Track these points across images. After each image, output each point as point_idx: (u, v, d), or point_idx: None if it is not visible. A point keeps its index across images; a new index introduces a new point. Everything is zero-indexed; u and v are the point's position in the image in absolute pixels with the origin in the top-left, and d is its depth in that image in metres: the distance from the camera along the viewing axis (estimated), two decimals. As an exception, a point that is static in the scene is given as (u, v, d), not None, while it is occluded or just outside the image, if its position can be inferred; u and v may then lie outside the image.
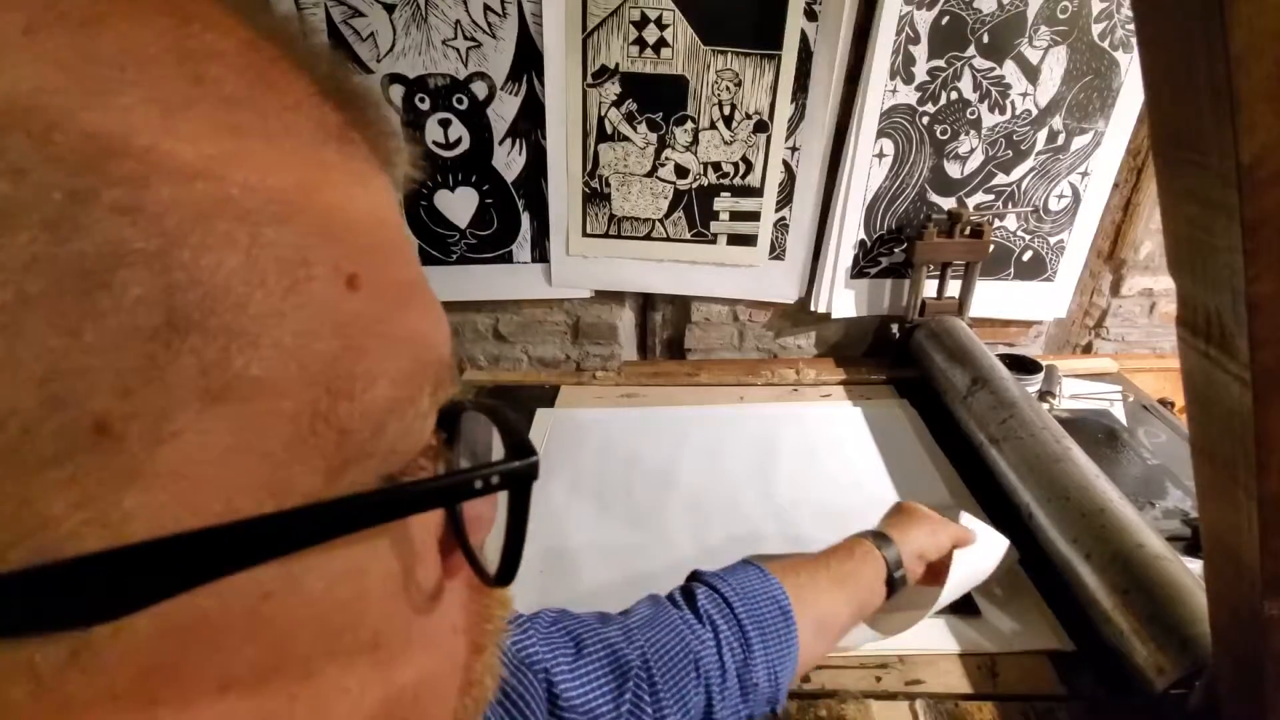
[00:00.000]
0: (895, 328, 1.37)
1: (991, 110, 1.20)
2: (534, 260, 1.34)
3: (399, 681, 0.20)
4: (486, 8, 1.11)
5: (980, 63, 1.16)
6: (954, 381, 1.12)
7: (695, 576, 0.63)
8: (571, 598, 0.79)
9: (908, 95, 1.19)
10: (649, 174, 1.25)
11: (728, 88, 1.17)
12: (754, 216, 1.29)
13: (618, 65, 1.16)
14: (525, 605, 0.45)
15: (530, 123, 1.21)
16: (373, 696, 0.19)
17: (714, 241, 1.31)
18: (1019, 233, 1.33)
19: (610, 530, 0.91)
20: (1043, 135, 1.23)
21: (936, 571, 0.73)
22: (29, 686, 0.13)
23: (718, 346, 1.46)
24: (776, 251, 1.32)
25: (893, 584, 0.67)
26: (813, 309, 1.37)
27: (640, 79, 1.17)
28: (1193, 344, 0.44)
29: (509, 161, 1.25)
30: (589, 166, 1.25)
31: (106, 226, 0.13)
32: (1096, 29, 1.14)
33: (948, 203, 1.29)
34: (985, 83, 1.18)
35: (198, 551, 0.14)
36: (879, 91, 1.17)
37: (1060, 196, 1.29)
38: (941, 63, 1.16)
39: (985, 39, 1.14)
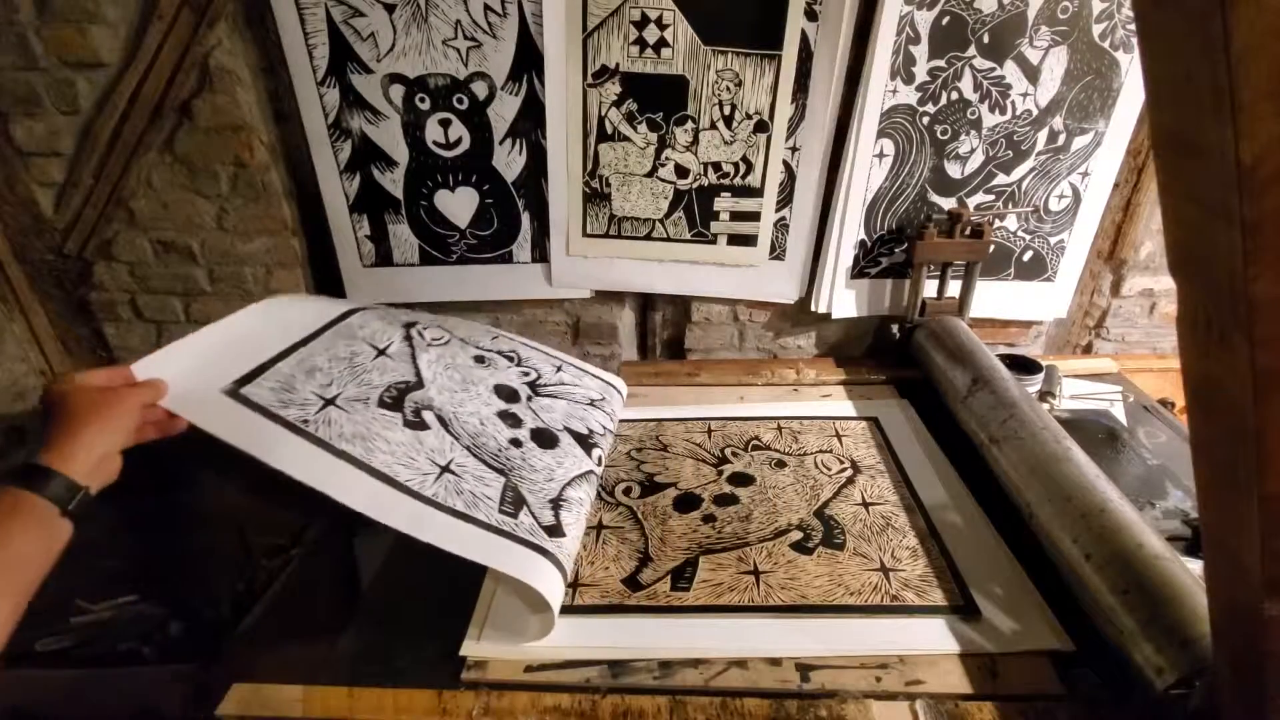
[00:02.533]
0: (895, 328, 1.37)
1: (992, 110, 1.20)
2: (534, 260, 1.34)
3: None
4: (486, 8, 1.11)
5: (981, 63, 1.16)
6: (954, 381, 1.12)
7: None
8: None
9: (908, 95, 1.19)
10: (649, 174, 1.25)
11: (728, 88, 1.17)
12: (754, 216, 1.29)
13: (618, 65, 1.16)
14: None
15: (530, 123, 1.21)
16: None
17: (714, 241, 1.31)
18: (1019, 233, 1.33)
19: None
20: (1043, 135, 1.23)
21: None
22: None
23: (718, 346, 1.46)
24: (776, 251, 1.32)
25: (75, 513, 0.60)
26: (813, 309, 1.37)
27: (640, 79, 1.17)
28: (1193, 344, 0.44)
29: (509, 161, 1.25)
30: (589, 166, 1.25)
31: None
32: (1097, 29, 1.14)
33: (948, 203, 1.29)
34: (986, 83, 1.18)
35: None
36: (879, 91, 1.17)
37: (1060, 196, 1.29)
38: (942, 63, 1.16)
39: (986, 39, 1.14)
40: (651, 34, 1.13)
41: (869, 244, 1.32)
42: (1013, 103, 1.20)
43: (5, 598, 0.54)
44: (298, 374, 0.80)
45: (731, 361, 1.45)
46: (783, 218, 1.29)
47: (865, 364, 1.39)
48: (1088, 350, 1.51)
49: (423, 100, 1.19)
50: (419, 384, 0.89)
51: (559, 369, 1.14)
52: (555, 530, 0.81)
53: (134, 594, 0.83)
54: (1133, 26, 1.13)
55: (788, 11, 1.10)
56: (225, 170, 1.25)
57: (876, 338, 1.44)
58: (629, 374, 1.39)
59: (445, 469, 0.79)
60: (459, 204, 1.28)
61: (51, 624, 0.80)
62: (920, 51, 1.15)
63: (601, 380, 1.19)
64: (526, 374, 1.07)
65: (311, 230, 1.33)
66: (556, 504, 0.85)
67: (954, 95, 1.19)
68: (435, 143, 1.22)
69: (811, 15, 1.11)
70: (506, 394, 0.99)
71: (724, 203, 1.28)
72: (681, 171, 1.25)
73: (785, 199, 1.28)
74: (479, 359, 1.03)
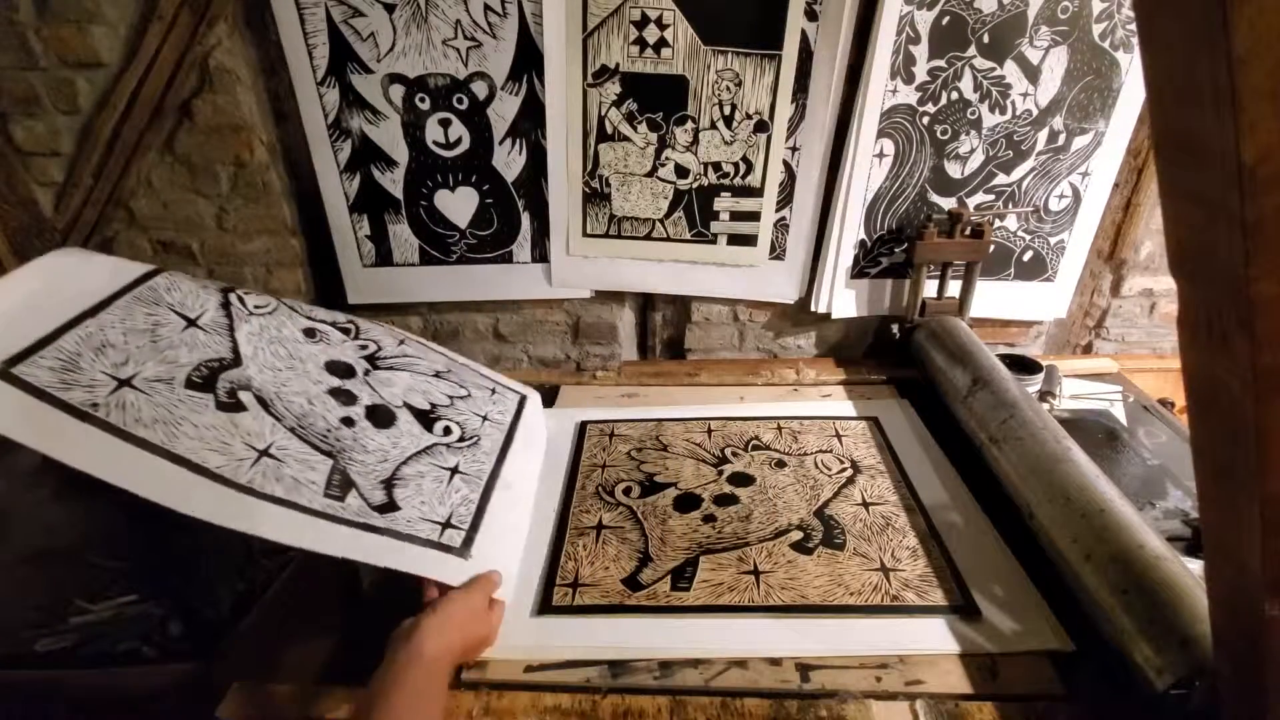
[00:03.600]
0: (895, 328, 1.37)
1: (992, 110, 1.20)
2: (534, 260, 1.34)
3: None
4: (486, 8, 1.11)
5: (981, 63, 1.16)
6: (954, 381, 1.12)
7: None
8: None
9: (908, 95, 1.19)
10: (649, 174, 1.25)
11: (728, 88, 1.17)
12: (754, 216, 1.29)
13: (618, 65, 1.16)
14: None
15: (530, 123, 1.21)
16: None
17: (714, 241, 1.31)
18: (1019, 233, 1.33)
19: None
20: (1043, 135, 1.23)
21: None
22: None
23: (718, 346, 1.46)
24: (776, 251, 1.32)
25: None
26: (813, 309, 1.37)
27: (640, 79, 1.17)
28: (1193, 344, 0.44)
29: (509, 161, 1.25)
30: (589, 166, 1.25)
31: None
32: (1097, 29, 1.14)
33: (948, 203, 1.29)
34: (986, 83, 1.18)
35: None
36: (879, 91, 1.17)
37: (1060, 196, 1.29)
38: (942, 63, 1.16)
39: (986, 39, 1.14)
40: (651, 34, 1.13)
41: (869, 244, 1.32)
42: (1013, 103, 1.20)
43: None
44: (84, 350, 0.68)
45: (731, 361, 1.45)
46: (783, 218, 1.29)
47: (865, 364, 1.39)
48: (1088, 350, 1.51)
49: (423, 100, 1.19)
50: (235, 361, 0.78)
51: (401, 342, 1.03)
52: (387, 507, 0.76)
53: (134, 594, 0.83)
54: (1133, 26, 1.13)
55: (788, 11, 1.10)
56: (225, 170, 1.25)
57: (876, 338, 1.44)
58: (629, 374, 1.39)
59: (264, 453, 0.71)
60: (459, 204, 1.28)
61: (51, 624, 0.80)
62: (920, 51, 1.15)
63: (456, 363, 1.10)
64: (364, 346, 0.96)
65: (311, 230, 1.33)
66: (389, 483, 0.79)
67: (954, 95, 1.19)
68: (435, 143, 1.22)
69: (811, 15, 1.11)
70: (341, 370, 0.88)
71: (724, 203, 1.28)
72: (681, 171, 1.25)
73: (785, 199, 1.28)
74: (309, 332, 0.90)
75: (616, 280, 1.36)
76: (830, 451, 1.09)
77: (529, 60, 1.16)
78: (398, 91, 1.18)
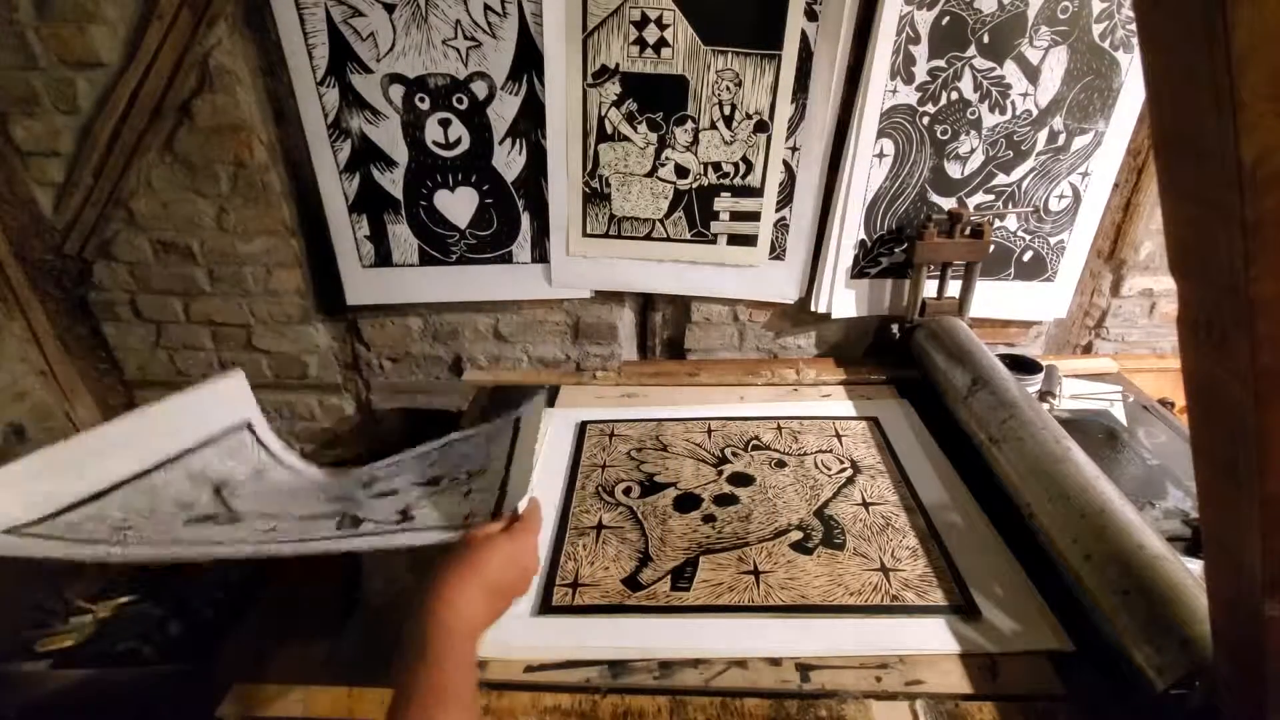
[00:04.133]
0: (895, 328, 1.37)
1: (992, 110, 1.20)
2: (534, 260, 1.34)
3: None
4: (486, 8, 1.11)
5: (981, 63, 1.16)
6: (954, 381, 1.12)
7: None
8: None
9: (908, 95, 1.19)
10: (649, 174, 1.25)
11: (728, 88, 1.17)
12: (754, 216, 1.29)
13: (618, 65, 1.16)
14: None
15: (530, 123, 1.21)
16: None
17: (714, 241, 1.31)
18: (1019, 233, 1.33)
19: None
20: (1043, 135, 1.23)
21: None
22: None
23: (718, 346, 1.46)
24: (776, 251, 1.32)
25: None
26: (813, 309, 1.37)
27: (640, 79, 1.17)
28: (1193, 344, 0.44)
29: (509, 161, 1.25)
30: (589, 166, 1.25)
31: None
32: (1097, 29, 1.14)
33: (948, 203, 1.29)
34: (985, 83, 1.18)
35: None
36: (879, 91, 1.17)
37: (1060, 197, 1.29)
38: (942, 63, 1.16)
39: (986, 39, 1.14)
40: (651, 34, 1.13)
41: (869, 244, 1.32)
42: (1013, 103, 1.20)
43: None
44: (85, 522, 0.74)
45: (731, 361, 1.45)
46: (783, 218, 1.29)
47: (865, 364, 1.39)
48: (1088, 350, 1.51)
49: (422, 100, 1.19)
50: (231, 516, 0.82)
51: (370, 483, 1.00)
52: (404, 519, 0.77)
53: (134, 594, 0.83)
54: (1133, 26, 1.13)
55: (788, 11, 1.10)
56: (225, 170, 1.25)
57: (876, 338, 1.44)
58: (629, 374, 1.39)
59: (270, 530, 0.75)
60: (459, 204, 1.28)
61: (51, 624, 0.80)
62: (920, 51, 1.15)
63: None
64: (367, 486, 0.96)
65: (311, 230, 1.33)
66: (404, 512, 0.80)
67: (954, 95, 1.19)
68: (435, 143, 1.22)
69: (811, 15, 1.11)
70: (342, 519, 0.87)
71: (724, 203, 1.28)
72: (681, 171, 1.25)
73: (785, 199, 1.28)
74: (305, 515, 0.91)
75: (616, 280, 1.36)
76: (830, 451, 1.09)
77: (529, 60, 1.16)
78: (397, 91, 1.18)
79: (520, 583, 0.63)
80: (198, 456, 0.91)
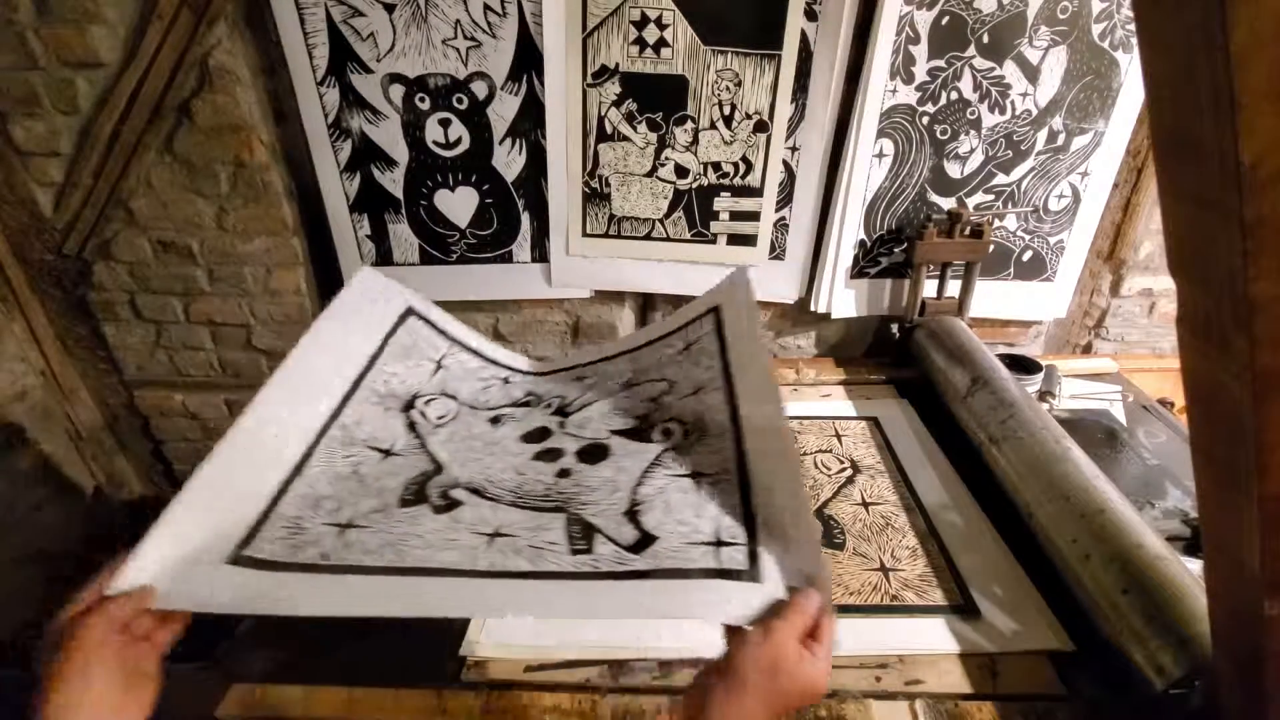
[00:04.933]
0: (895, 328, 1.37)
1: (991, 110, 1.20)
2: (534, 260, 1.34)
3: None
4: (486, 7, 1.11)
5: (980, 63, 1.16)
6: (954, 381, 1.12)
7: None
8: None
9: (908, 95, 1.19)
10: (649, 174, 1.25)
11: (728, 88, 1.17)
12: (754, 216, 1.29)
13: (618, 65, 1.16)
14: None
15: (530, 123, 1.21)
16: None
17: (714, 241, 1.31)
18: (1019, 233, 1.33)
19: None
20: (1043, 135, 1.23)
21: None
22: None
23: (718, 346, 1.46)
24: (776, 251, 1.32)
25: None
26: (813, 309, 1.37)
27: (640, 79, 1.17)
28: (1193, 344, 0.44)
29: (509, 161, 1.25)
30: (589, 166, 1.25)
31: None
32: (1096, 29, 1.14)
33: (948, 203, 1.29)
34: (985, 83, 1.18)
35: None
36: (879, 91, 1.17)
37: (1060, 196, 1.29)
38: (941, 63, 1.16)
39: (985, 39, 1.14)
40: (651, 34, 1.13)
41: (869, 244, 1.32)
42: (1012, 103, 1.20)
43: None
44: (303, 511, 0.70)
45: (731, 361, 1.45)
46: (782, 217, 1.29)
47: (865, 364, 1.39)
48: (1087, 350, 1.51)
49: (422, 100, 1.19)
50: (438, 469, 0.78)
51: (580, 378, 0.98)
52: (642, 542, 0.68)
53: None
54: (1132, 27, 1.13)
55: (787, 11, 1.10)
56: (225, 170, 1.25)
57: (876, 338, 1.44)
58: (629, 374, 1.39)
59: (494, 534, 0.69)
60: (459, 204, 1.28)
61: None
62: (920, 51, 1.15)
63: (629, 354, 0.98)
64: (549, 406, 0.93)
65: (311, 230, 1.33)
66: (632, 513, 0.72)
67: (954, 95, 1.19)
68: (435, 142, 1.22)
69: (811, 15, 1.11)
70: (536, 435, 0.85)
71: (724, 202, 1.28)
72: (681, 171, 1.25)
73: (785, 199, 1.28)
74: (494, 420, 0.89)
75: (616, 280, 1.36)
76: (830, 451, 1.09)
77: (529, 60, 1.16)
78: (398, 91, 1.18)
79: (806, 690, 0.49)
80: (374, 373, 0.87)
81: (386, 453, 0.79)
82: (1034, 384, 1.16)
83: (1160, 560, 0.70)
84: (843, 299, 1.36)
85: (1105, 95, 1.19)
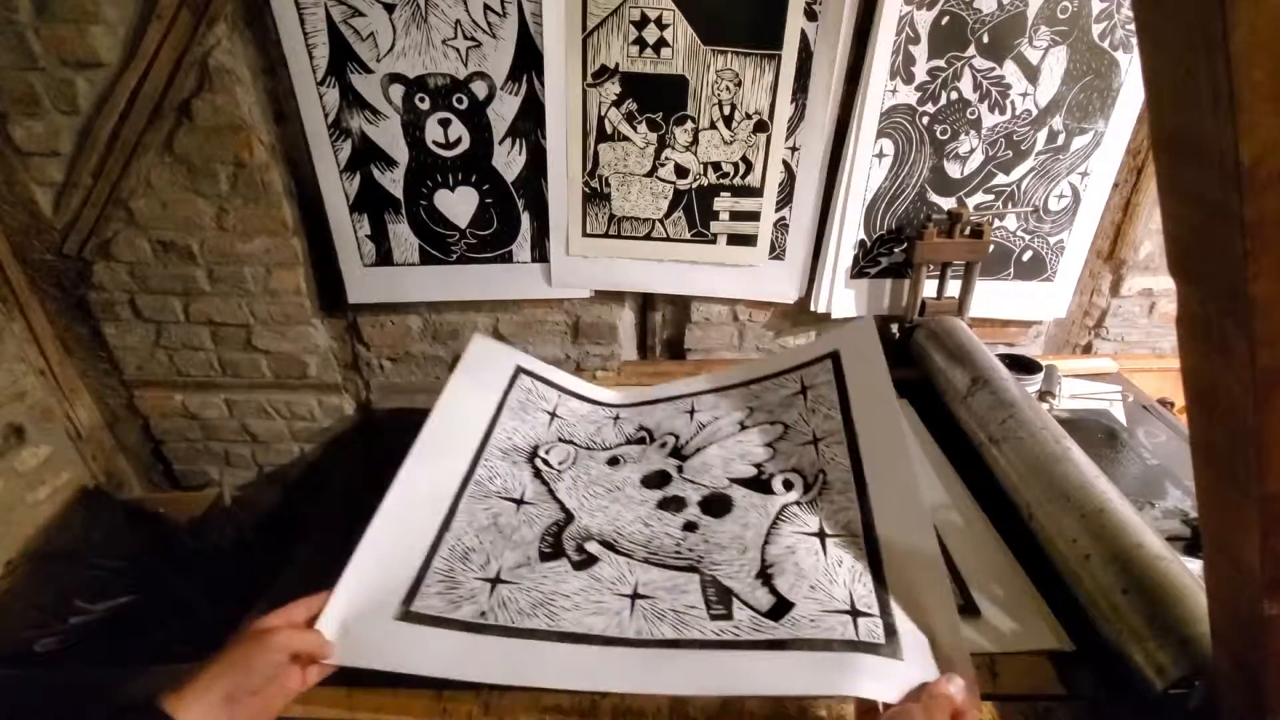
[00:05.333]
0: (895, 328, 1.37)
1: (991, 110, 1.20)
2: (534, 260, 1.34)
3: None
4: (486, 7, 1.11)
5: (980, 63, 1.16)
6: (954, 381, 1.12)
7: None
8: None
9: (908, 95, 1.19)
10: (649, 174, 1.25)
11: (728, 88, 1.17)
12: (754, 216, 1.29)
13: (618, 65, 1.16)
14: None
15: (530, 123, 1.21)
16: None
17: (714, 241, 1.31)
18: (1019, 233, 1.33)
19: None
20: (1043, 135, 1.23)
21: None
22: None
23: (718, 346, 1.46)
24: (776, 251, 1.32)
25: None
26: (813, 309, 1.37)
27: (640, 79, 1.17)
28: (1192, 344, 0.44)
29: (509, 161, 1.25)
30: (589, 166, 1.25)
31: None
32: (1096, 29, 1.14)
33: (948, 203, 1.29)
34: (985, 83, 1.18)
35: None
36: (879, 91, 1.17)
37: (1060, 196, 1.29)
38: (941, 63, 1.16)
39: (985, 39, 1.14)
40: (651, 34, 1.13)
41: (869, 244, 1.32)
42: (1012, 102, 1.20)
43: None
44: (455, 564, 0.75)
45: (731, 361, 1.45)
46: (782, 217, 1.29)
47: (865, 364, 1.39)
48: (1087, 350, 1.51)
49: (422, 100, 1.19)
50: (569, 518, 0.82)
51: (691, 412, 1.00)
52: (779, 608, 0.66)
53: (132, 594, 0.83)
54: (1132, 26, 1.13)
55: (787, 11, 1.10)
56: (225, 170, 1.25)
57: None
58: (629, 374, 1.39)
59: (635, 596, 0.70)
60: (459, 204, 1.28)
61: (51, 624, 0.80)
62: (920, 51, 1.15)
63: (741, 391, 1.01)
64: (664, 445, 0.95)
65: (311, 230, 1.33)
66: (765, 575, 0.71)
67: (953, 95, 1.19)
68: (435, 142, 1.22)
69: (811, 15, 1.11)
70: (656, 480, 0.88)
71: (724, 202, 1.28)
72: (681, 171, 1.25)
73: (785, 199, 1.28)
74: (612, 461, 0.93)
75: (616, 280, 1.36)
76: (830, 451, 1.09)
77: (529, 60, 1.16)
78: (398, 91, 1.18)
79: None
80: (498, 430, 0.94)
81: (519, 502, 0.85)
82: (1034, 384, 1.16)
83: (1160, 560, 0.70)
84: (843, 299, 1.36)
85: (1105, 95, 1.19)
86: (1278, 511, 0.42)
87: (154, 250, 1.33)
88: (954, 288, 1.32)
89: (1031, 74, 1.17)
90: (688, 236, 1.31)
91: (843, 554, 0.73)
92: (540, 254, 1.33)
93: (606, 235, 1.31)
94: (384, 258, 1.33)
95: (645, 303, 1.43)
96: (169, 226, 1.30)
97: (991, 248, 1.27)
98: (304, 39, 1.13)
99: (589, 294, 1.38)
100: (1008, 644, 0.74)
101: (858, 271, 1.35)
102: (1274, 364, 0.38)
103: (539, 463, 0.92)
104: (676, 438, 0.96)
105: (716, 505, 0.82)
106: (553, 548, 0.77)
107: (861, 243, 1.32)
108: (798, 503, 0.81)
